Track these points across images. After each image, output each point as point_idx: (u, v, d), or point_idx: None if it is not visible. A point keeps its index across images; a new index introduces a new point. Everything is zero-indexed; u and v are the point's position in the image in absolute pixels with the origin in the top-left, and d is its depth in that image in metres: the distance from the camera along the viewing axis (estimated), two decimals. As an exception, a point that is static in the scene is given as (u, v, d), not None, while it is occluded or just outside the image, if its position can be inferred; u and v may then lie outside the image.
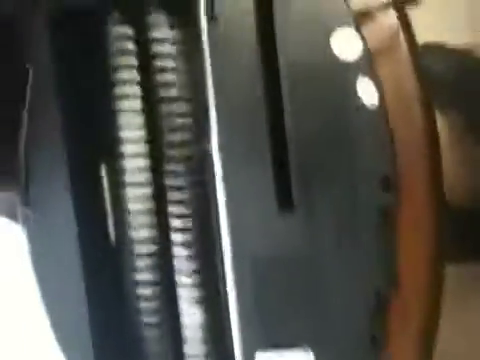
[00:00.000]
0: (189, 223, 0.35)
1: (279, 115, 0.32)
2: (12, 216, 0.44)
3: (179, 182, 0.35)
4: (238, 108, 0.33)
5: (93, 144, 0.36)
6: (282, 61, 0.32)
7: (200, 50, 0.33)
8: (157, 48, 0.34)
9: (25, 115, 0.34)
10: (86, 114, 0.36)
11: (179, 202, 0.35)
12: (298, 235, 0.32)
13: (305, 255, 0.32)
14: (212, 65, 0.33)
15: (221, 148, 0.33)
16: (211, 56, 0.33)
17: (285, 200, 0.32)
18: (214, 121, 0.33)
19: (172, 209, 0.35)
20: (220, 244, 0.34)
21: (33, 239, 0.36)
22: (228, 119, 0.33)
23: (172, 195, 0.35)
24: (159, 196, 0.35)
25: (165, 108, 0.34)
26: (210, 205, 0.34)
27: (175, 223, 0.35)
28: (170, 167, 0.35)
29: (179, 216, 0.35)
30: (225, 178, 0.33)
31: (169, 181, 0.35)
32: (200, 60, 0.33)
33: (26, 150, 0.35)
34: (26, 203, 0.35)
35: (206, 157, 0.34)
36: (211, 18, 0.32)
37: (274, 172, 0.32)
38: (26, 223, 0.36)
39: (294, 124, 0.32)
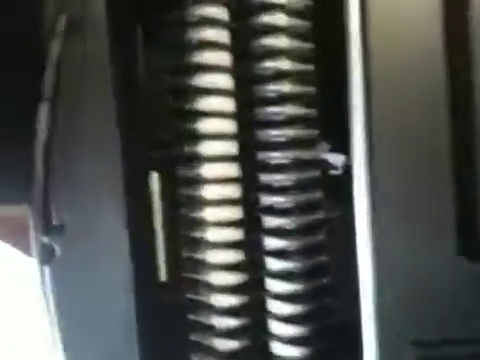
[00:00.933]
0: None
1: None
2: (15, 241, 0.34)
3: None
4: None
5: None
6: None
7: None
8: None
9: (44, 116, 0.24)
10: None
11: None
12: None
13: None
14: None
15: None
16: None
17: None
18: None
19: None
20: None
21: (63, 280, 0.25)
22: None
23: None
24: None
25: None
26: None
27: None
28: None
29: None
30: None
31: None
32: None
33: (45, 159, 0.24)
34: (48, 232, 0.24)
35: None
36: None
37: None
38: (46, 257, 0.25)
39: None
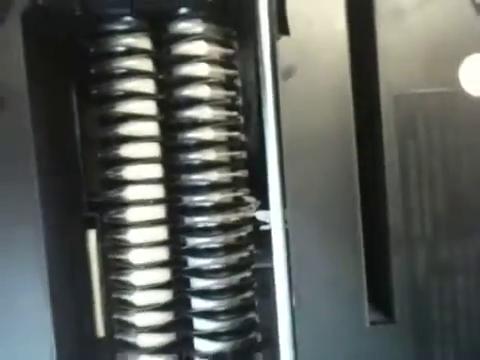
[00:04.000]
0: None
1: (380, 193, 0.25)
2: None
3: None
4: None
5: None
6: (386, 101, 0.24)
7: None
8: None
9: None
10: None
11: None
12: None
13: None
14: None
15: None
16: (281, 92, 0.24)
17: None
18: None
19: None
20: None
21: None
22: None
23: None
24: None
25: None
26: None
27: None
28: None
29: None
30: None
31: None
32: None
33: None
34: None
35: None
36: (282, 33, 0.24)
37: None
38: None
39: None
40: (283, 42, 0.25)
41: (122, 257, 0.28)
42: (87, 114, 0.31)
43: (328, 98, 0.25)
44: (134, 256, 0.28)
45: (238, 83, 0.29)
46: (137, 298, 0.28)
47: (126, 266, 0.28)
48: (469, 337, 0.25)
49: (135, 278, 0.28)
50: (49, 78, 0.28)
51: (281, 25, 0.25)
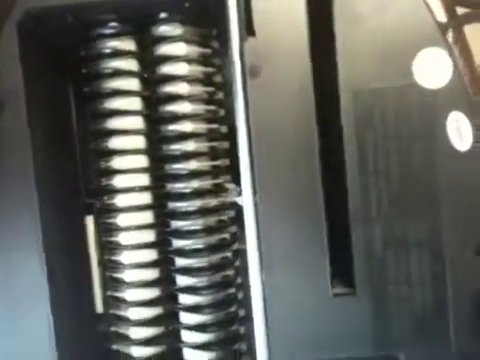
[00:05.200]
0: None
1: (339, 170, 0.27)
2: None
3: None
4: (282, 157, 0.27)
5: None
6: (345, 95, 0.27)
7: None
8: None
9: None
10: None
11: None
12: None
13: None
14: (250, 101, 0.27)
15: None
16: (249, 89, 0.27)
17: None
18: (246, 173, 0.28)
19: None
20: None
21: None
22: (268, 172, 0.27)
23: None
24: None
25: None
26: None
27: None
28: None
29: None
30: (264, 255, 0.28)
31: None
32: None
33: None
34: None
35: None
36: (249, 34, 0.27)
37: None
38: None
39: (360, 183, 0.27)
40: (249, 43, 0.28)
41: (113, 239, 0.31)
42: (83, 110, 0.34)
43: (292, 94, 0.28)
44: (123, 238, 0.31)
45: (217, 79, 0.32)
46: (127, 276, 0.31)
47: (117, 247, 0.31)
48: (422, 307, 0.27)
49: (125, 258, 0.31)
50: (46, 78, 0.31)
51: (247, 27, 0.28)
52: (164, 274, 0.31)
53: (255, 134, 0.28)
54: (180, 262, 0.31)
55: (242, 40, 0.28)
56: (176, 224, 0.31)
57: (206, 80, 0.31)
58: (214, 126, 0.31)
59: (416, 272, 0.27)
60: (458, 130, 0.27)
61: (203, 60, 0.31)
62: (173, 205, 0.31)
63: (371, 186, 0.27)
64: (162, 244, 0.31)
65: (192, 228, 0.31)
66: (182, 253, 0.31)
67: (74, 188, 0.34)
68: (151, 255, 0.31)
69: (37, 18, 0.28)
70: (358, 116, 0.27)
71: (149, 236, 0.31)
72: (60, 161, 0.32)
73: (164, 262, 0.31)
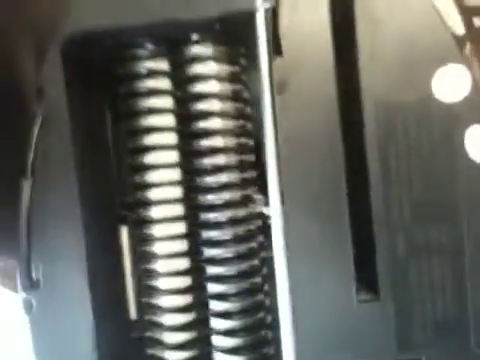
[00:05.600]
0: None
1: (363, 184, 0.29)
2: (8, 284, 0.39)
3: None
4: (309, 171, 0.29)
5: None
6: (368, 109, 0.29)
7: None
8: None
9: (26, 193, 0.30)
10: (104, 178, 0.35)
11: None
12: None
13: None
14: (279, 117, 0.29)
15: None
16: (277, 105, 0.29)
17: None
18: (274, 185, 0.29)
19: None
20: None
21: (38, 328, 0.30)
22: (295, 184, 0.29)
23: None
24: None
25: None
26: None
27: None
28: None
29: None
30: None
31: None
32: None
33: (29, 221, 0.30)
34: (29, 286, 0.30)
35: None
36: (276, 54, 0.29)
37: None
38: (29, 311, 0.30)
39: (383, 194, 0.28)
40: (277, 62, 0.29)
41: (148, 249, 0.33)
42: (118, 127, 0.36)
43: (318, 108, 0.29)
44: (157, 248, 0.32)
45: (245, 95, 0.34)
46: (161, 283, 0.33)
47: (151, 256, 0.33)
48: (444, 311, 0.29)
49: (159, 266, 0.33)
50: (85, 97, 0.33)
51: (275, 47, 0.29)
52: (196, 282, 0.33)
53: (282, 147, 0.29)
54: (211, 270, 0.33)
55: (270, 60, 0.29)
56: (207, 234, 0.33)
57: (235, 96, 0.33)
58: (243, 140, 0.33)
59: (438, 277, 0.29)
60: (477, 143, 0.29)
61: (232, 77, 0.33)
62: (204, 216, 0.33)
63: (394, 195, 0.29)
64: (194, 253, 0.33)
65: (222, 238, 0.32)
66: (213, 261, 0.33)
67: (110, 201, 0.36)
68: (184, 264, 0.33)
69: (79, 42, 0.30)
70: (381, 128, 0.29)
71: (182, 246, 0.33)
72: (98, 176, 0.34)
73: (196, 270, 0.33)
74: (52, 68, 0.30)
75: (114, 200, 0.36)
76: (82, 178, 0.31)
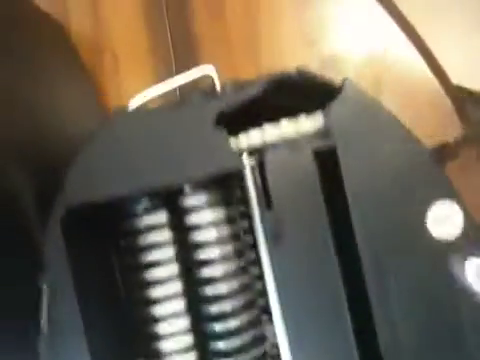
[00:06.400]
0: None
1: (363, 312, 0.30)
2: None
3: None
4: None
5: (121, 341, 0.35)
6: (360, 241, 0.29)
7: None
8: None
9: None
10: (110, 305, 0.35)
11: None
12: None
13: None
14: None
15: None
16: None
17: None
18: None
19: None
20: None
21: None
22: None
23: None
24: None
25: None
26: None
27: None
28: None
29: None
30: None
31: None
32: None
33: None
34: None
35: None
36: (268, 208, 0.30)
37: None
38: None
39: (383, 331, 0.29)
40: (269, 215, 0.30)
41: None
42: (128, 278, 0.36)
43: (314, 253, 0.30)
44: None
45: (243, 236, 0.34)
46: None
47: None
48: None
49: None
50: (90, 256, 0.34)
51: (266, 202, 0.30)
52: None
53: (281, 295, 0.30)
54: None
55: (263, 214, 0.30)
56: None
57: (234, 238, 0.34)
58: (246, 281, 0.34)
59: None
60: (478, 273, 0.29)
61: (230, 220, 0.33)
62: (214, 345, 0.33)
63: (397, 339, 0.29)
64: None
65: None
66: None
67: (122, 335, 0.36)
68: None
69: (78, 212, 0.31)
70: (379, 275, 0.29)
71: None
72: (109, 328, 0.35)
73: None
74: (53, 242, 0.31)
75: (126, 336, 0.37)
76: (93, 339, 0.32)
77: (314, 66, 0.48)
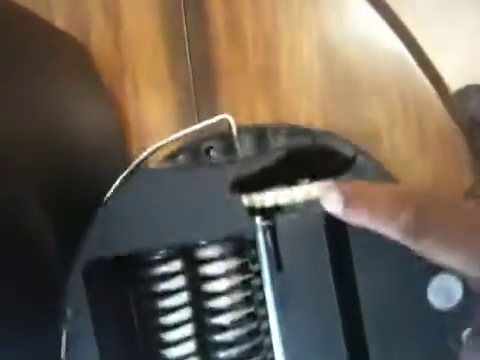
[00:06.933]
0: None
1: None
2: None
3: None
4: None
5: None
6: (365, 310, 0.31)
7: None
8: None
9: None
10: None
11: None
12: None
13: None
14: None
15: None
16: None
17: None
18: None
19: None
20: None
21: None
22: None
23: None
24: None
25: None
26: None
27: None
28: None
29: None
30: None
31: None
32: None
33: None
34: None
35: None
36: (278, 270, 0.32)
37: None
38: None
39: None
40: (279, 276, 0.32)
41: None
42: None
43: (320, 318, 0.31)
44: None
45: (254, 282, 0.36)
46: None
47: None
48: None
49: None
50: (111, 302, 0.36)
51: (277, 264, 0.32)
52: None
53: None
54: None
55: (272, 274, 0.32)
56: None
57: (244, 287, 0.35)
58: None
59: None
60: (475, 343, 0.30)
61: (241, 269, 0.35)
62: None
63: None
64: None
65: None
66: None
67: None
68: None
69: (99, 263, 0.33)
70: (380, 337, 0.31)
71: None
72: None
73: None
74: (75, 292, 0.33)
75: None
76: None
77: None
